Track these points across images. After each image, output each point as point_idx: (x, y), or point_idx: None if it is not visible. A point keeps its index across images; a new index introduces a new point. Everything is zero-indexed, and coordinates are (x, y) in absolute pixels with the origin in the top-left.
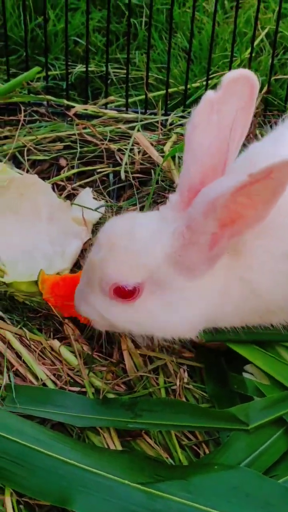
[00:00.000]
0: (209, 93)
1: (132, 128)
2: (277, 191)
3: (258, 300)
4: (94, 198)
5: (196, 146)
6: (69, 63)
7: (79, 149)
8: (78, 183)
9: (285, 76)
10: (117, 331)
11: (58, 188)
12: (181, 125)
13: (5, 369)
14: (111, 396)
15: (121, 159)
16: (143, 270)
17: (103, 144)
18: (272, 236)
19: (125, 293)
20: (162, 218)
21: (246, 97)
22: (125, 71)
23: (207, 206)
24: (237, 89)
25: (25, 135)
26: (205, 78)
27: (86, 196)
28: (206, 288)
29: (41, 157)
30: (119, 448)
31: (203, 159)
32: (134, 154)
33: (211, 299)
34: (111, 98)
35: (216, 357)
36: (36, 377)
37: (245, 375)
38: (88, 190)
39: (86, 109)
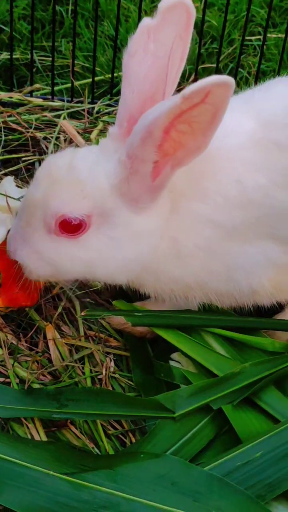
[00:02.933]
0: (145, 20)
1: (58, 116)
2: (215, 117)
3: (176, 263)
4: (18, 186)
5: (133, 75)
6: None
7: (3, 137)
8: (3, 172)
9: (212, 65)
10: (54, 277)
11: None
12: (108, 113)
13: None
14: (36, 386)
15: (47, 147)
16: (89, 200)
17: (28, 132)
18: (203, 202)
19: (71, 227)
20: (103, 150)
21: (183, 25)
22: (51, 59)
23: (144, 132)
24: (174, 17)
25: None
26: None
27: (8, 184)
28: (146, 229)
29: None
30: (44, 439)
31: (141, 88)
32: (60, 142)
33: (146, 242)
34: (37, 85)
35: (142, 345)
36: None
37: (171, 363)
38: (10, 178)
39: (11, 97)
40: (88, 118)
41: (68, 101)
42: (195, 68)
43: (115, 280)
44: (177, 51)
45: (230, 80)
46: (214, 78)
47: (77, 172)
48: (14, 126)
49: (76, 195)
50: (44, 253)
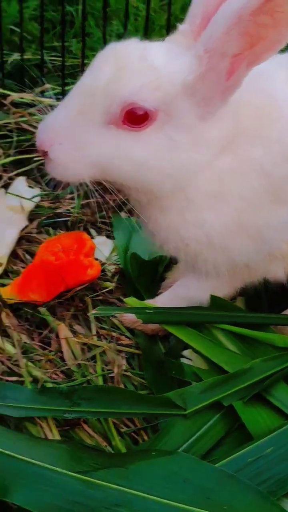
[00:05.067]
0: None
1: None
2: None
3: (210, 203)
4: (30, 186)
5: None
6: (6, 52)
7: (15, 138)
8: (15, 172)
9: None
10: (88, 178)
11: None
12: None
13: None
14: (49, 385)
15: None
16: (161, 92)
17: None
18: (260, 146)
19: (136, 118)
20: (175, 45)
21: None
22: (61, 59)
23: (231, 18)
24: None
25: None
26: None
27: (20, 185)
28: (205, 139)
29: None
30: (58, 438)
31: None
32: None
33: (201, 153)
34: (48, 86)
35: (154, 343)
36: None
37: (183, 360)
38: (21, 179)
39: (22, 98)
40: None
41: None
42: None
43: (155, 189)
44: None
45: None
46: None
47: (151, 60)
48: (25, 126)
49: (150, 84)
50: (94, 147)
